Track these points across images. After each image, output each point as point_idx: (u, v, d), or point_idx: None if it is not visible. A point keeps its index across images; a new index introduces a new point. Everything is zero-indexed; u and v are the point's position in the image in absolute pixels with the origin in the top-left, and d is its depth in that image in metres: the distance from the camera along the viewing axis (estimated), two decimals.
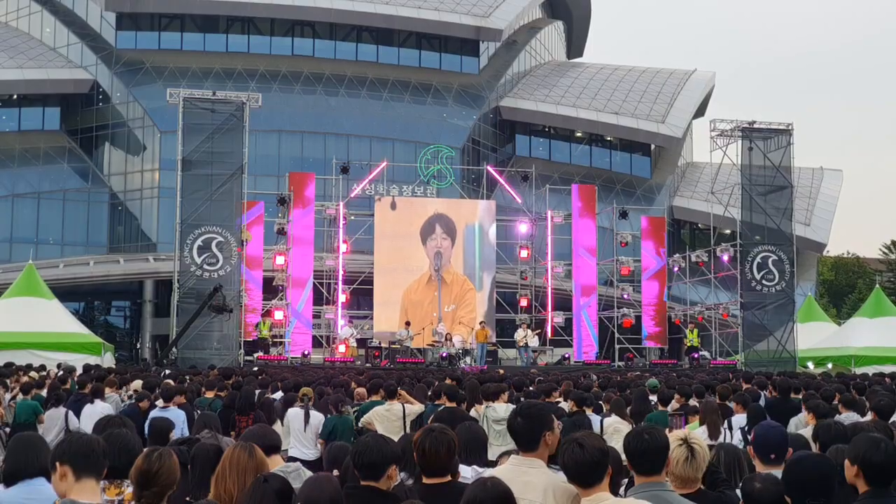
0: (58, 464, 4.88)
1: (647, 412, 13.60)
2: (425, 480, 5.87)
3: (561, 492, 5.51)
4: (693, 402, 14.55)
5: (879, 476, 4.91)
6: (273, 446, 6.79)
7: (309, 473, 6.93)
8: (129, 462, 5.78)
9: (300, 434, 12.88)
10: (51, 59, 56.26)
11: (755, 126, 37.59)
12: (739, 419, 11.75)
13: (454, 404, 12.41)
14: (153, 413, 12.57)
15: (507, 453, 6.08)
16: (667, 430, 6.56)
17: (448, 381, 16.15)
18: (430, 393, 15.35)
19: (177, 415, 12.40)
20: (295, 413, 13.04)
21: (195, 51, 56.21)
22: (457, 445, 5.85)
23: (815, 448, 7.40)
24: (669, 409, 14.11)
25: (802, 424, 11.85)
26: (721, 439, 10.94)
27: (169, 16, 57.20)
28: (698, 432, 10.63)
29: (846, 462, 5.02)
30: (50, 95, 56.25)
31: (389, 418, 13.52)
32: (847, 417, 11.23)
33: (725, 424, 11.54)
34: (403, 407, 13.75)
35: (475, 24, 57.94)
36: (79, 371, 21.23)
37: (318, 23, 57.80)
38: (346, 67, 57.06)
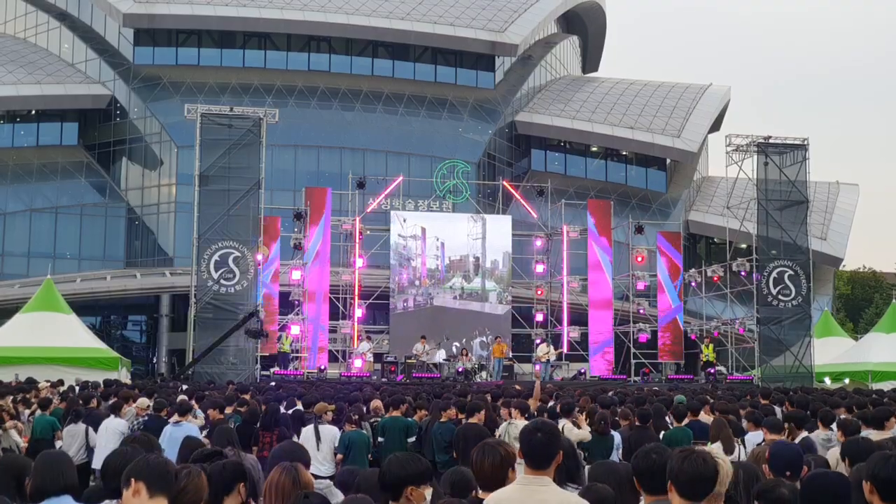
0: (132, 480, 4.90)
1: (664, 428, 13.60)
2: (478, 494, 5.78)
3: None
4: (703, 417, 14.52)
5: (892, 491, 4.88)
6: (304, 463, 6.75)
7: (337, 491, 6.97)
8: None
9: (313, 451, 12.92)
10: (69, 74, 56.67)
11: (771, 141, 37.54)
12: (754, 436, 11.73)
13: (475, 419, 12.49)
14: (171, 430, 12.62)
15: None
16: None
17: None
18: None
19: (192, 430, 12.47)
20: (307, 431, 13.11)
21: (212, 66, 56.52)
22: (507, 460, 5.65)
23: (844, 466, 7.37)
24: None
25: (819, 440, 11.85)
26: (735, 455, 10.96)
27: (186, 32, 57.54)
28: (714, 447, 10.66)
29: (864, 481, 5.00)
30: (68, 111, 56.71)
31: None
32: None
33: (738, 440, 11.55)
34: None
35: (491, 39, 58.04)
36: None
37: (334, 38, 58.06)
38: (362, 82, 57.24)
